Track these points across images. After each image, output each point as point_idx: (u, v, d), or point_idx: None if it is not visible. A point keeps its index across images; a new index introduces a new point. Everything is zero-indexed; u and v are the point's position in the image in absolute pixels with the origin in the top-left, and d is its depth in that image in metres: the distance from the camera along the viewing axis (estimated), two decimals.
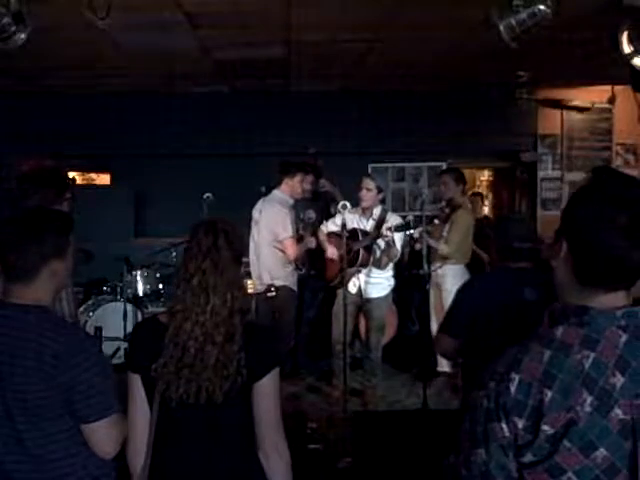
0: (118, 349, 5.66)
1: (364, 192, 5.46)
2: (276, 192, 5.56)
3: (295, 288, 5.62)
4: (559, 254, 1.38)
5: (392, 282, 5.63)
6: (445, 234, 5.80)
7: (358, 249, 5.36)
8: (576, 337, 1.29)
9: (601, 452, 1.23)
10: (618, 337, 1.28)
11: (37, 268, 2.08)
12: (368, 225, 5.52)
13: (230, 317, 2.06)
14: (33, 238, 2.09)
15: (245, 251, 5.17)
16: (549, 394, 1.25)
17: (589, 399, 1.24)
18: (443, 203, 5.97)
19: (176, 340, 2.05)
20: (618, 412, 1.24)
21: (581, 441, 1.23)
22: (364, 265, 5.44)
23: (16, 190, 3.40)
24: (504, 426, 1.28)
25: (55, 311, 2.22)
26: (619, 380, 1.25)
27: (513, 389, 1.27)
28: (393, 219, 5.43)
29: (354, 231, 5.34)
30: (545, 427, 1.24)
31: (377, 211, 5.55)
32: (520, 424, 1.26)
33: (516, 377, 1.28)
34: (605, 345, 1.27)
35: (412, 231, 5.34)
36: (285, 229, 5.34)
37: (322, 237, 5.69)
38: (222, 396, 2.02)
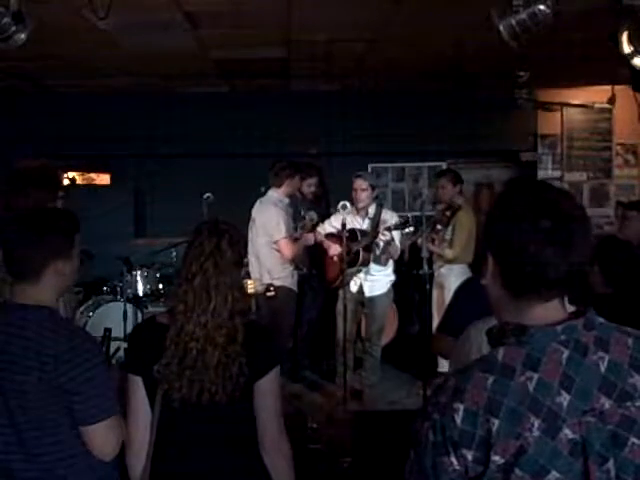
0: (118, 349, 5.66)
1: (359, 192, 5.46)
2: (271, 192, 5.57)
3: (295, 288, 5.63)
4: (486, 271, 1.34)
5: (392, 277, 5.65)
6: (448, 237, 5.79)
7: (358, 250, 5.36)
8: (518, 358, 1.25)
9: (553, 475, 1.19)
10: (560, 354, 1.24)
11: (42, 268, 2.08)
12: (364, 224, 5.53)
13: (231, 318, 2.07)
14: (38, 238, 2.09)
15: (246, 253, 5.18)
16: (496, 422, 1.20)
17: (536, 423, 1.20)
18: (442, 206, 5.97)
19: (177, 341, 2.05)
20: (567, 432, 1.20)
21: (532, 468, 1.19)
22: (365, 264, 5.45)
23: (10, 189, 3.41)
24: (453, 459, 1.22)
25: (58, 311, 2.21)
26: (565, 399, 1.21)
27: (459, 420, 1.22)
28: (389, 216, 5.44)
29: (352, 231, 5.35)
30: (495, 457, 1.20)
31: (372, 210, 5.56)
32: (469, 456, 1.21)
33: (460, 407, 1.22)
34: (548, 364, 1.23)
35: (411, 228, 5.33)
36: (279, 230, 5.34)
37: (320, 238, 5.69)
38: (225, 396, 2.02)
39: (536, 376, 1.22)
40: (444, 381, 1.31)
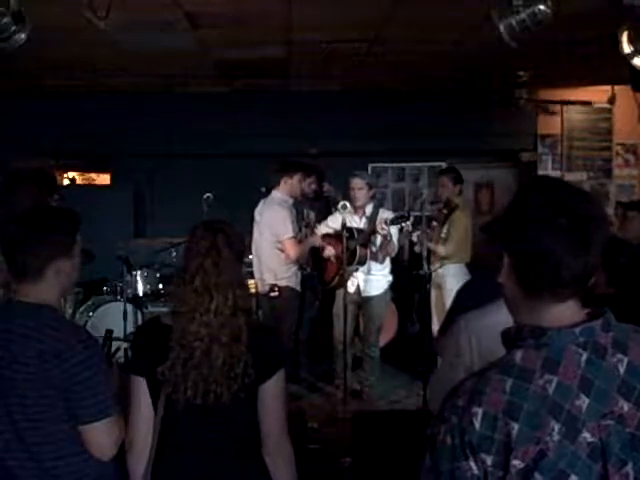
0: (118, 349, 5.65)
1: (356, 192, 5.49)
2: (275, 193, 5.56)
3: (298, 288, 5.62)
4: (502, 271, 1.34)
5: (390, 278, 5.65)
6: (443, 235, 5.80)
7: (355, 247, 5.37)
8: (536, 361, 1.23)
9: (573, 479, 1.18)
10: (578, 356, 1.23)
11: (43, 267, 2.08)
12: (362, 224, 5.54)
13: (234, 316, 2.06)
14: (39, 237, 2.09)
15: (246, 250, 5.18)
16: (516, 426, 1.19)
17: (556, 427, 1.19)
18: (440, 204, 5.97)
19: (182, 342, 2.04)
20: (586, 435, 1.19)
21: (552, 472, 1.18)
22: (362, 262, 5.45)
23: (6, 189, 3.42)
24: (472, 464, 1.21)
25: (60, 310, 2.21)
26: (584, 402, 1.21)
27: (477, 424, 1.20)
28: (386, 215, 5.44)
29: (349, 230, 5.35)
30: (515, 462, 1.18)
31: (369, 209, 5.58)
32: (489, 460, 1.20)
33: (479, 410, 1.21)
34: (566, 366, 1.22)
35: (408, 222, 5.33)
36: (285, 229, 5.33)
37: (317, 239, 5.69)
38: (230, 397, 2.01)
39: (555, 379, 1.21)
40: (460, 384, 1.30)
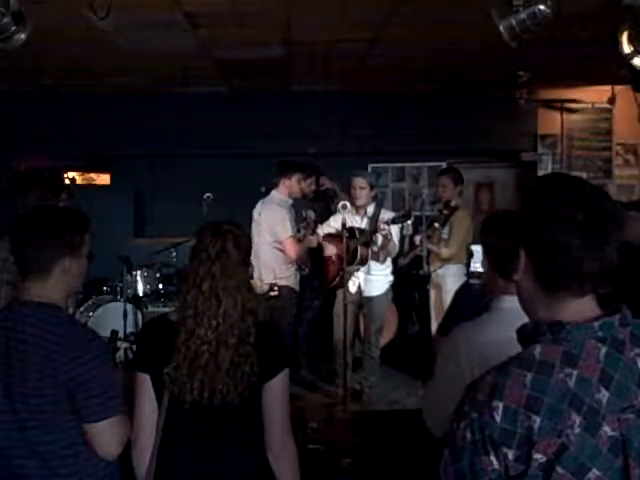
0: (118, 349, 5.66)
1: (357, 191, 5.49)
2: (274, 193, 5.57)
3: (297, 288, 5.62)
4: (518, 267, 1.34)
5: (391, 278, 5.65)
6: (445, 236, 5.80)
7: (356, 246, 5.37)
8: (556, 355, 1.24)
9: (594, 473, 1.19)
10: (598, 350, 1.24)
11: (49, 266, 2.09)
12: (363, 223, 5.54)
13: (242, 319, 2.05)
14: (47, 236, 2.10)
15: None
16: (537, 420, 1.19)
17: (578, 420, 1.19)
18: (440, 205, 5.98)
19: (188, 344, 2.03)
20: (606, 429, 1.20)
21: (573, 465, 1.18)
22: (363, 262, 5.45)
23: (13, 189, 3.42)
24: (493, 459, 1.21)
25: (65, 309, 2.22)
26: (604, 396, 1.21)
27: (498, 418, 1.21)
28: (388, 215, 5.45)
29: (351, 230, 5.36)
30: (537, 455, 1.19)
31: (371, 209, 5.59)
32: (510, 455, 1.20)
33: (500, 405, 1.21)
34: (586, 360, 1.23)
35: (409, 222, 5.34)
36: (284, 229, 5.34)
37: (319, 239, 5.70)
38: (237, 397, 2.01)
39: (575, 373, 1.22)
40: (479, 379, 1.30)
